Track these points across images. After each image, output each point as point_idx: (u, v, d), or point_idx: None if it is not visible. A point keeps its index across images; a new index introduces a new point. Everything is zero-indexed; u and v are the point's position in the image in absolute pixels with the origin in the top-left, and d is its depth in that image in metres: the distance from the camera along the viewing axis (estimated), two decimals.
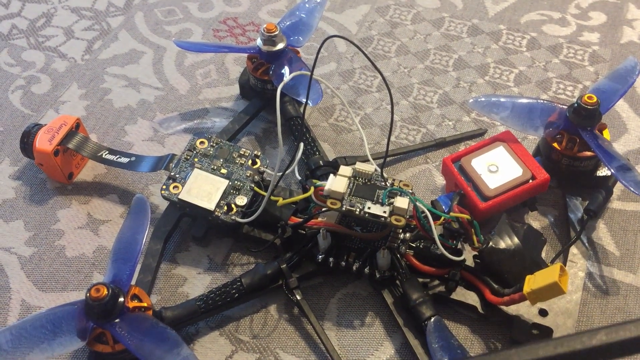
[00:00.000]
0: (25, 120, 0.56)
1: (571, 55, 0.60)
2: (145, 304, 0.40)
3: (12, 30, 0.63)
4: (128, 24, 0.64)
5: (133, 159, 0.50)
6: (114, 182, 0.52)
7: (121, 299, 0.38)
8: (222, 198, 0.45)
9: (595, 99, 0.45)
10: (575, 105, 0.46)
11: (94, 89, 0.58)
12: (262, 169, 0.47)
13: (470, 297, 0.43)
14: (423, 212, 0.41)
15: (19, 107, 0.57)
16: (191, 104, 0.57)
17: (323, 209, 0.43)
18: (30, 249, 0.48)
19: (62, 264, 0.47)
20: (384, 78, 0.41)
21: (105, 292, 0.37)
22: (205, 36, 0.63)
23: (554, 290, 0.38)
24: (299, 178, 0.49)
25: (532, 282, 0.39)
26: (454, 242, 0.43)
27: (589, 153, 0.47)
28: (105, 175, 0.52)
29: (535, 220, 0.49)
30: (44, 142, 0.49)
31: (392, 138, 0.54)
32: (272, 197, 0.45)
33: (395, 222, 0.41)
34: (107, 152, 0.50)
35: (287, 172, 0.46)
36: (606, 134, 0.48)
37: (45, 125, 0.50)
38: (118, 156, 0.50)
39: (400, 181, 0.44)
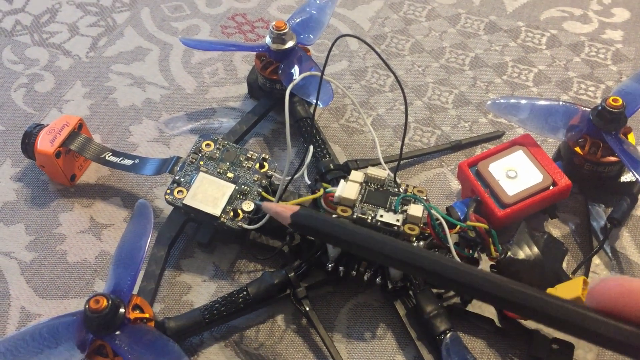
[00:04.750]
0: (28, 120, 0.54)
1: (593, 54, 0.58)
2: (147, 315, 0.38)
3: (16, 27, 0.62)
4: (134, 20, 0.62)
5: (137, 161, 0.48)
6: (118, 184, 0.50)
7: (122, 310, 0.37)
8: (228, 203, 0.44)
9: (620, 102, 0.43)
10: (599, 108, 0.44)
11: (98, 87, 0.57)
12: (270, 172, 0.46)
13: (487, 310, 0.41)
14: (438, 220, 0.40)
15: (21, 106, 0.56)
16: (198, 103, 0.55)
17: (333, 216, 0.42)
18: (30, 254, 0.46)
19: (64, 269, 0.46)
20: (397, 77, 0.39)
21: (105, 303, 0.36)
22: (213, 33, 0.61)
23: None
24: (309, 182, 0.47)
25: None
26: (470, 251, 0.41)
27: (613, 158, 0.44)
28: (109, 178, 0.51)
29: (556, 228, 0.47)
30: (45, 144, 0.47)
31: (406, 140, 0.52)
32: (280, 202, 0.43)
33: (409, 231, 0.39)
34: (110, 153, 0.49)
35: (296, 176, 0.44)
36: (631, 138, 0.45)
37: (47, 125, 0.48)
38: (121, 158, 0.48)
39: (414, 187, 0.42)
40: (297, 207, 0.36)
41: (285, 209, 0.36)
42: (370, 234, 0.33)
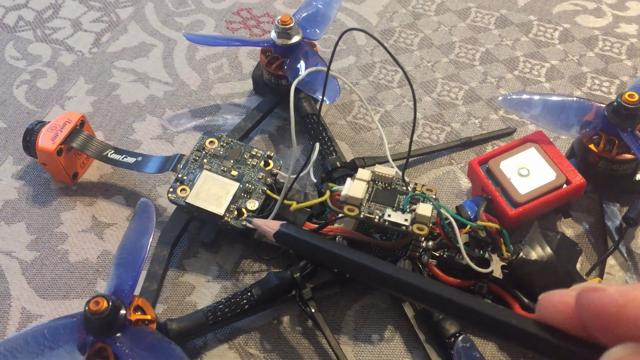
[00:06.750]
0: (30, 117, 0.53)
1: (607, 49, 0.56)
2: (148, 317, 0.37)
3: (19, 22, 0.61)
4: (138, 16, 0.61)
5: (140, 159, 0.47)
6: (121, 182, 0.49)
7: (123, 312, 0.36)
8: (232, 202, 0.43)
9: (637, 97, 0.42)
10: (615, 104, 0.42)
11: (101, 84, 0.56)
12: (275, 170, 0.45)
13: None
14: (447, 219, 0.38)
15: (23, 102, 0.55)
16: (202, 100, 0.54)
17: (339, 215, 0.40)
18: (32, 253, 0.46)
19: (65, 269, 0.45)
20: (405, 73, 0.38)
21: (105, 305, 0.35)
22: (217, 28, 0.60)
23: None
24: (315, 180, 0.46)
25: None
26: (481, 252, 0.40)
27: (628, 156, 0.43)
28: (112, 176, 0.50)
29: (569, 228, 0.45)
30: (46, 141, 0.46)
31: (414, 137, 0.51)
32: (285, 201, 0.42)
33: (417, 231, 0.38)
34: (113, 151, 0.48)
35: (301, 174, 0.43)
36: None
37: (49, 122, 0.47)
38: (124, 156, 0.47)
39: (423, 185, 0.41)
40: (280, 223, 0.38)
41: (269, 227, 0.38)
42: (348, 253, 0.34)
